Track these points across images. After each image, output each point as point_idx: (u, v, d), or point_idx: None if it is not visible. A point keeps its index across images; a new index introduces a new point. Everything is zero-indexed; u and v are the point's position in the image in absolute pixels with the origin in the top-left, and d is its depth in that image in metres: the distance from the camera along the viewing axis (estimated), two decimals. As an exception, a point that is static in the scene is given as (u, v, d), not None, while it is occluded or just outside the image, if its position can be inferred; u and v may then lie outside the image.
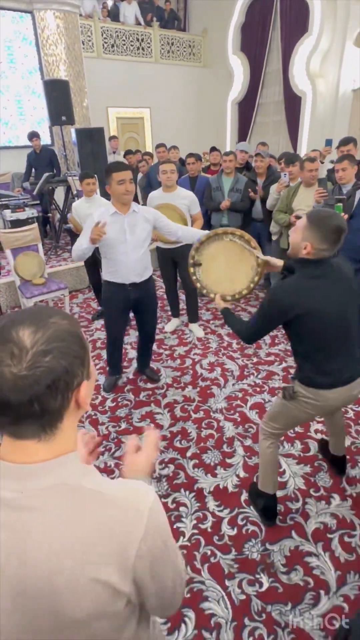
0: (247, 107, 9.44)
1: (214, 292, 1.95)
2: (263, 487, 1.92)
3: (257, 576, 1.69)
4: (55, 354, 0.55)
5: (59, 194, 5.98)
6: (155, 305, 2.88)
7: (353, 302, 1.55)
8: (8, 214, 4.84)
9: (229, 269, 1.95)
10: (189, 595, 1.63)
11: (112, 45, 8.68)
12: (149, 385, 3.02)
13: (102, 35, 8.48)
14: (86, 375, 0.61)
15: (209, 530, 1.89)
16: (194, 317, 3.76)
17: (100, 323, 4.06)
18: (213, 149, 5.45)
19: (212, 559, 1.76)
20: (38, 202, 5.60)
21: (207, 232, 2.09)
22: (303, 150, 8.01)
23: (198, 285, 2.00)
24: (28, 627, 0.56)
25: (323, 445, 2.30)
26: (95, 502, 0.59)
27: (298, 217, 3.49)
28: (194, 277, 2.00)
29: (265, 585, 1.65)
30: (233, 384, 2.99)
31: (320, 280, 1.50)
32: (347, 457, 2.22)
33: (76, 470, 0.61)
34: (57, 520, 0.56)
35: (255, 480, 2.10)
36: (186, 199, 3.28)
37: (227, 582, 1.67)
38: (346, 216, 2.80)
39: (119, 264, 2.50)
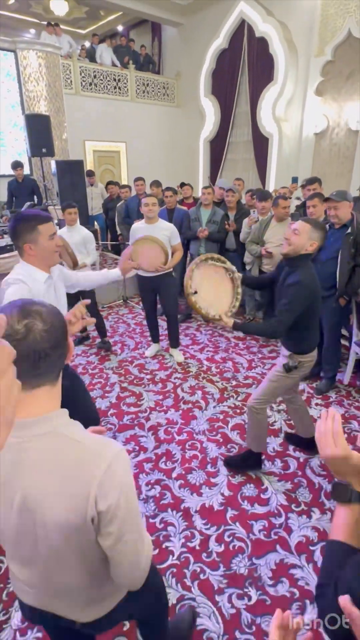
0: (218, 145, 10.00)
1: (216, 314, 2.13)
2: (260, 448, 2.35)
3: (246, 590, 1.75)
4: (59, 318, 0.83)
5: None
6: None
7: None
8: (-13, 241, 4.87)
9: (215, 289, 2.19)
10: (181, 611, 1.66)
11: (90, 84, 9.08)
12: (132, 409, 3.07)
13: (81, 74, 8.88)
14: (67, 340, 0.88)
15: (197, 548, 1.95)
16: (175, 342, 3.88)
17: (80, 349, 4.10)
18: (182, 184, 5.81)
19: (201, 576, 1.81)
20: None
21: (114, 271, 2.37)
22: (271, 186, 8.54)
23: (203, 312, 2.14)
24: (23, 526, 0.82)
25: (290, 436, 2.68)
26: (73, 447, 0.80)
27: (268, 252, 3.77)
28: (198, 306, 2.13)
29: (254, 599, 1.72)
30: (214, 406, 3.09)
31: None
32: (325, 472, 2.35)
33: (63, 423, 0.83)
34: (44, 457, 0.79)
35: (232, 455, 2.54)
36: (167, 230, 3.46)
37: (217, 598, 1.72)
38: None
39: None
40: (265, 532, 2.01)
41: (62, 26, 9.41)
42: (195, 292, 2.13)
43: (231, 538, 1.99)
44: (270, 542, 1.97)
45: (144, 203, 3.40)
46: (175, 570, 1.84)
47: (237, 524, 2.07)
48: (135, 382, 3.47)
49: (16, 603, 1.70)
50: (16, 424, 0.74)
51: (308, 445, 2.54)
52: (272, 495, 2.24)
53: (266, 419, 2.32)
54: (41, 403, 0.81)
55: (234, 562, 1.87)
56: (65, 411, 0.85)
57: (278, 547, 1.94)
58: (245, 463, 2.41)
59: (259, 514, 2.12)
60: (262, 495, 2.24)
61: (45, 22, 9.82)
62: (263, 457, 2.45)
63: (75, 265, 3.73)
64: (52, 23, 8.49)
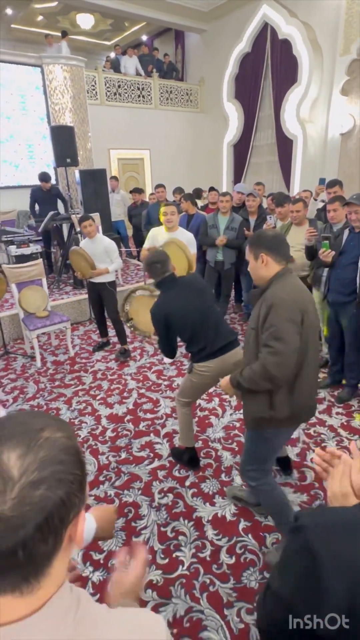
0: (241, 149, 9.95)
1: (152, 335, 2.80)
2: (186, 443, 2.49)
3: (256, 604, 1.71)
4: (49, 482, 0.43)
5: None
6: None
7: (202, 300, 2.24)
8: (13, 249, 5.05)
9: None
10: (188, 624, 1.64)
11: (115, 94, 9.27)
12: (149, 416, 3.08)
13: (105, 84, 9.08)
14: (83, 501, 0.49)
15: (208, 559, 1.92)
16: None
17: (100, 355, 4.16)
18: (211, 188, 5.77)
19: (211, 588, 1.79)
20: (41, 238, 5.85)
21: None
22: (296, 189, 8.40)
23: (145, 334, 3.10)
24: None
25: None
26: None
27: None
28: (137, 331, 3.11)
29: (264, 614, 1.67)
30: (231, 414, 3.05)
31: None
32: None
33: (68, 618, 0.47)
34: None
35: (176, 445, 2.67)
36: (185, 240, 3.43)
37: (225, 611, 1.69)
38: (333, 253, 2.98)
39: None
40: (277, 545, 1.96)
41: (88, 39, 9.67)
42: (131, 319, 3.06)
43: (243, 550, 1.95)
44: (283, 556, 1.91)
45: (162, 212, 3.42)
46: (184, 580, 1.82)
47: (250, 535, 2.02)
48: (152, 388, 3.48)
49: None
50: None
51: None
52: (287, 507, 2.18)
53: (189, 413, 2.44)
54: (33, 594, 0.45)
55: (244, 575, 1.83)
56: (61, 595, 0.48)
57: (291, 561, 1.88)
58: (180, 458, 2.55)
59: (272, 526, 2.06)
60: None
61: (73, 37, 10.13)
62: (277, 467, 2.39)
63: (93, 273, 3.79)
64: (48, 34, 8.52)
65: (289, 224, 3.79)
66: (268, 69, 8.74)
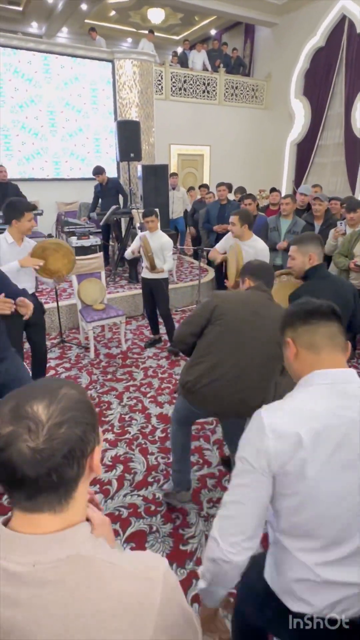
0: (306, 148, 9.60)
1: None
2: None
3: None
4: (69, 424, 0.57)
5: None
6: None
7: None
8: (74, 240, 5.18)
9: None
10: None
11: (180, 89, 9.26)
12: (200, 420, 3.04)
13: (172, 79, 9.08)
14: (97, 441, 0.63)
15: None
16: None
17: (152, 351, 4.17)
18: (273, 189, 5.59)
19: (260, 612, 1.71)
20: (100, 230, 5.96)
21: None
22: (362, 192, 7.98)
23: None
24: None
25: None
26: (108, 573, 0.58)
27: (357, 265, 3.48)
28: None
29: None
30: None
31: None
32: None
33: (88, 541, 0.61)
34: (71, 594, 0.55)
35: (227, 454, 2.64)
36: (252, 249, 3.19)
37: None
38: None
39: None
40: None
41: (157, 33, 9.73)
42: None
43: (295, 576, 1.86)
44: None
45: (231, 222, 3.24)
46: (232, 599, 1.76)
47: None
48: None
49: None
50: (23, 542, 0.57)
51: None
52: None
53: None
54: (63, 513, 0.60)
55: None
56: (85, 523, 0.63)
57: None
58: (230, 467, 2.45)
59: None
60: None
61: (140, 31, 10.23)
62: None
63: (153, 269, 3.80)
64: (151, 31, 8.78)
65: (360, 232, 3.58)
66: (342, 64, 8.35)
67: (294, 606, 0.94)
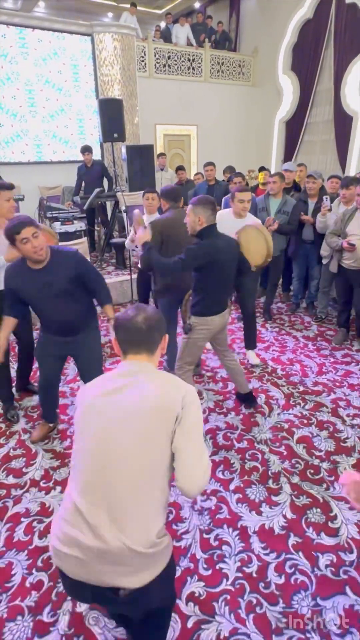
0: (294, 126, 9.36)
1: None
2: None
3: (308, 635, 1.55)
4: (156, 324, 1.27)
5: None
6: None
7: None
8: (58, 226, 4.97)
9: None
10: (233, 647, 1.52)
11: (164, 65, 8.90)
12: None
13: (155, 55, 8.71)
14: (165, 333, 1.33)
15: (255, 575, 1.77)
16: (251, 343, 3.62)
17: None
18: (262, 168, 5.42)
19: (257, 609, 1.64)
20: (85, 215, 5.75)
21: None
22: (352, 170, 7.82)
23: None
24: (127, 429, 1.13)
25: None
26: (165, 377, 1.23)
27: (350, 244, 3.37)
28: None
29: (318, 647, 1.52)
30: (278, 414, 2.86)
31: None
32: None
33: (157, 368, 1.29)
34: (149, 380, 1.19)
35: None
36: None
37: (274, 638, 1.55)
38: None
39: None
40: (332, 569, 1.78)
41: (139, 7, 9.29)
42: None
43: (293, 569, 1.79)
44: (338, 581, 1.74)
45: (239, 199, 3.04)
46: (228, 597, 1.69)
47: (301, 553, 1.86)
48: (194, 378, 3.33)
49: (64, 605, 1.66)
50: (134, 362, 1.25)
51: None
52: (342, 526, 1.99)
53: (190, 382, 2.63)
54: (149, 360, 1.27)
55: (295, 599, 1.68)
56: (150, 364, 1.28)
57: (348, 589, 1.71)
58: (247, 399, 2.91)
59: (326, 546, 1.89)
60: (330, 524, 2.00)
61: (121, 5, 9.77)
62: (332, 477, 2.20)
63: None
64: (133, 4, 8.38)
65: (354, 210, 3.45)
66: (330, 37, 8.08)
67: None
